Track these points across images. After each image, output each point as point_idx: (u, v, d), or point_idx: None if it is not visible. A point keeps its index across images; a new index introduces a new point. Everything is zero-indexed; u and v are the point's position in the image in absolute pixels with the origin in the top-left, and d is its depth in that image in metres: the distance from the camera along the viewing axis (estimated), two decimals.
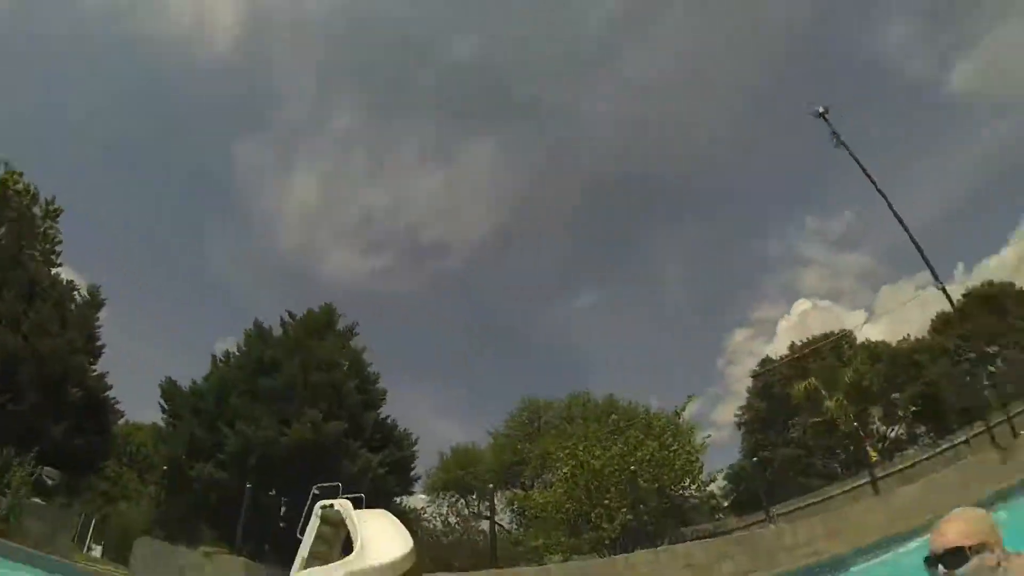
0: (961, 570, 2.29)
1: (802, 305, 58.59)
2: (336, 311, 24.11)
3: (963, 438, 22.72)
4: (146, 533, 17.44)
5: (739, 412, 42.58)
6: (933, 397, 36.18)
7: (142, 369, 64.04)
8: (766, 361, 42.22)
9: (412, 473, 23.35)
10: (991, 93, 60.87)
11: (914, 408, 37.82)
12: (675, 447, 19.45)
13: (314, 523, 14.02)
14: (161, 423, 24.41)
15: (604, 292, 74.84)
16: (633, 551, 16.31)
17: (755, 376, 41.03)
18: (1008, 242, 49.43)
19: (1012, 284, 39.04)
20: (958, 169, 63.31)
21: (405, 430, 22.99)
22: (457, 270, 73.11)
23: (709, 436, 22.28)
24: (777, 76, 73.08)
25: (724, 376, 60.75)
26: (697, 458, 20.04)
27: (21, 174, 26.16)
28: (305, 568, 12.97)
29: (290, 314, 23.97)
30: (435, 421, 67.79)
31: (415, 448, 23.11)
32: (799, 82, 66.55)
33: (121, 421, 29.02)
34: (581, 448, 19.17)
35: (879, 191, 18.95)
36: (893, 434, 38.26)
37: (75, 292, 23.80)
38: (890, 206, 18.72)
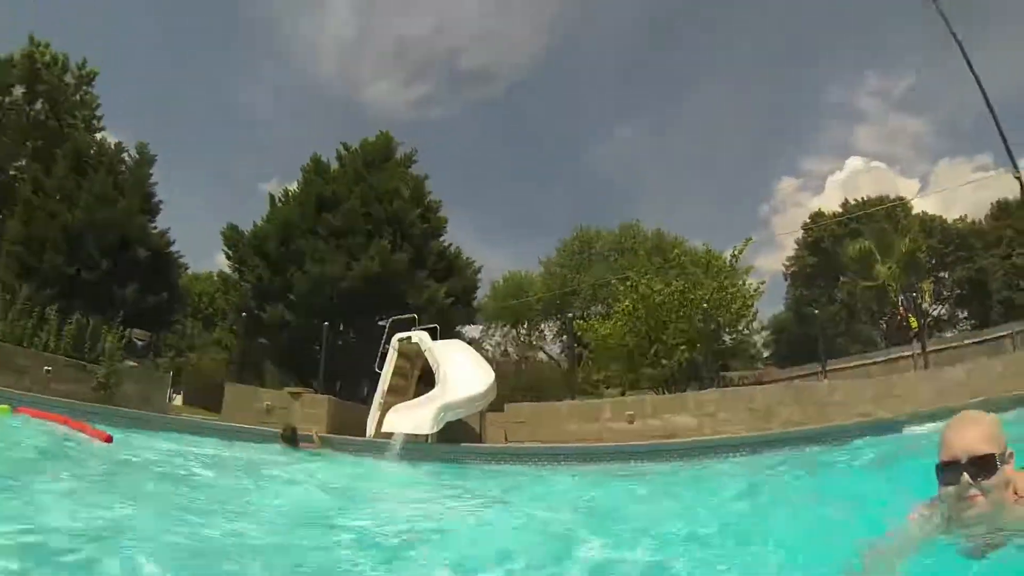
0: (991, 481, 2.19)
1: (854, 162, 57.04)
2: (393, 139, 24.49)
3: (1007, 332, 23.07)
4: (222, 379, 18.33)
5: (787, 263, 43.61)
6: (980, 283, 36.93)
7: (195, 219, 64.99)
8: (818, 215, 42.49)
9: (475, 302, 24.39)
10: None
11: (959, 291, 38.71)
12: (733, 289, 19.68)
13: (392, 356, 14.95)
14: (226, 270, 25.36)
15: (648, 123, 72.91)
16: (685, 390, 17.56)
17: (807, 229, 41.50)
18: None
19: None
20: None
21: (468, 258, 23.84)
22: (500, 97, 70.77)
23: (764, 282, 22.40)
24: None
25: (768, 224, 60.63)
26: (752, 303, 20.38)
27: (48, 44, 26.72)
28: (384, 401, 14.00)
29: (345, 146, 24.38)
30: (484, 249, 73.57)
31: (478, 276, 24.06)
32: None
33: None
34: (643, 281, 19.44)
35: (964, 55, 17.49)
36: (936, 313, 39.33)
37: (124, 154, 24.01)
38: (972, 71, 17.37)
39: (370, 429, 13.61)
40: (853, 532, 2.87)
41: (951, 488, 2.24)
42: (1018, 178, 18.11)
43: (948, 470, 2.25)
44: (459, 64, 73.28)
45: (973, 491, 2.19)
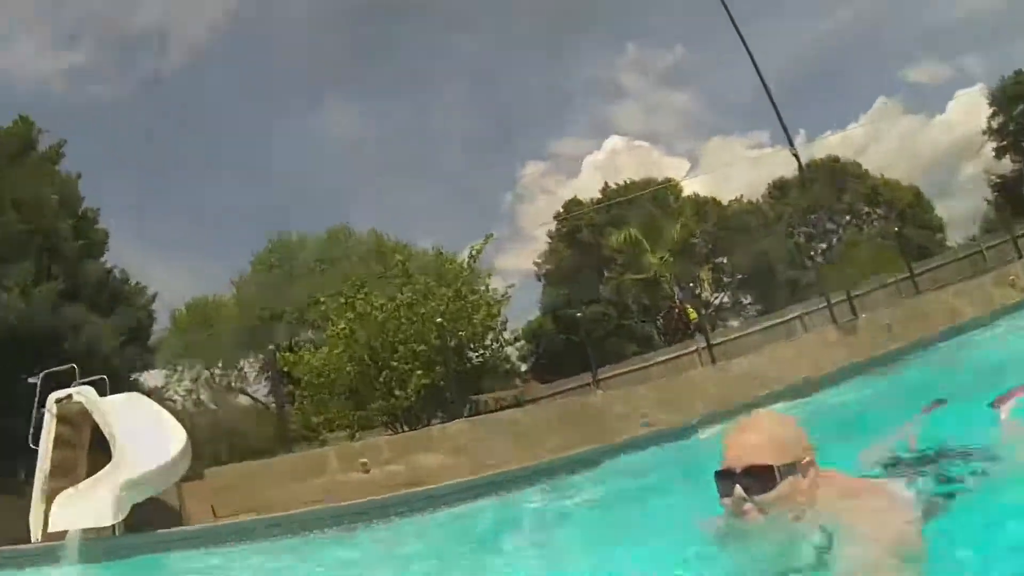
0: (763, 497, 1.93)
1: (614, 142, 53.69)
2: (36, 127, 19.37)
3: (797, 314, 23.01)
4: None
5: (540, 260, 40.58)
6: (763, 266, 37.22)
7: None
8: (574, 203, 39.70)
9: (151, 340, 20.39)
10: None
11: (741, 276, 38.94)
12: (474, 296, 18.09)
13: (50, 424, 11.07)
14: None
15: (359, 106, 61.56)
16: (429, 422, 15.82)
17: (560, 219, 38.83)
18: (858, 120, 48.74)
19: (857, 164, 40.49)
20: (816, 37, 62.60)
21: (138, 283, 19.78)
22: (177, 70, 58.70)
23: (513, 285, 21.47)
24: None
25: (513, 216, 53.95)
26: (499, 311, 18.91)
27: None
28: (49, 488, 10.37)
29: None
30: (157, 269, 55.00)
31: (153, 307, 20.12)
32: None
33: None
34: (360, 297, 17.16)
35: (737, 31, 17.40)
36: (717, 301, 39.11)
37: None
38: (747, 49, 17.23)
39: (35, 530, 10.05)
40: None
41: (727, 500, 2.04)
42: (795, 155, 17.81)
43: (723, 480, 2.05)
44: (126, 27, 56.73)
45: (747, 506, 1.97)
